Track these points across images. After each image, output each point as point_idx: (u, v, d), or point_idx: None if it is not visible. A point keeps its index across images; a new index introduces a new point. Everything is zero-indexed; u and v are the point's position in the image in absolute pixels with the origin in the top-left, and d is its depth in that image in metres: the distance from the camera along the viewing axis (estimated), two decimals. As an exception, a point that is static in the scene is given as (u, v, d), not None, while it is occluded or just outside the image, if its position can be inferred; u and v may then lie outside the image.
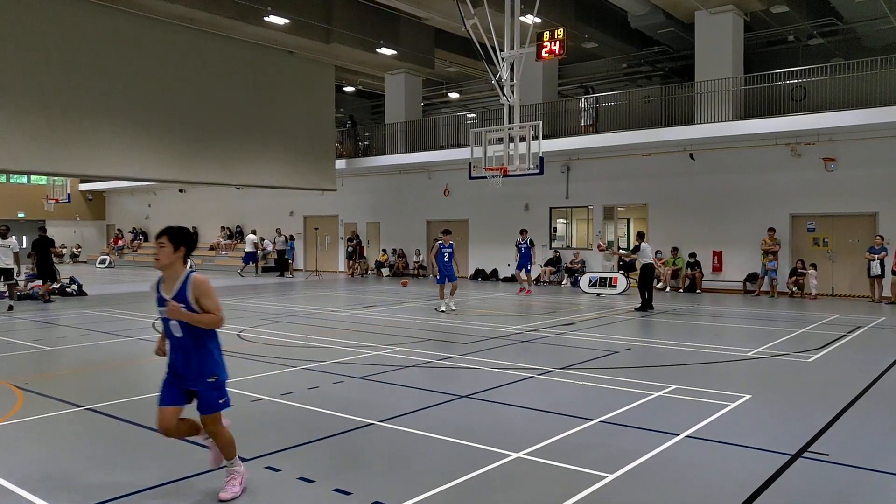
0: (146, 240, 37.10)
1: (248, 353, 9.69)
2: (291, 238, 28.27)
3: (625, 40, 23.40)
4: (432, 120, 26.91)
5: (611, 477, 4.78)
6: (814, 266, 17.92)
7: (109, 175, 23.05)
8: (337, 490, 4.58)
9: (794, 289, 18.14)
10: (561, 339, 10.85)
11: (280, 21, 19.89)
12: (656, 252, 20.53)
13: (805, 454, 5.30)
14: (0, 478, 4.79)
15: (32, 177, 35.07)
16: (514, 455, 5.24)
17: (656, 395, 7.18)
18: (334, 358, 9.29)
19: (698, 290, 19.53)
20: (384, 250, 27.32)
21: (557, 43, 17.33)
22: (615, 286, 19.12)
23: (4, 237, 15.25)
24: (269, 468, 5.01)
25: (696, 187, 20.14)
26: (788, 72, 18.43)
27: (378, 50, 22.93)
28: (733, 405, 6.73)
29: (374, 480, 4.82)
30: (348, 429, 5.98)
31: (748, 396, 7.06)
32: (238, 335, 11.35)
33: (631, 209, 23.91)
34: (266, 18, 19.61)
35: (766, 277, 18.55)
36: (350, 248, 27.85)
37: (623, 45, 23.70)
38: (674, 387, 7.49)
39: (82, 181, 37.38)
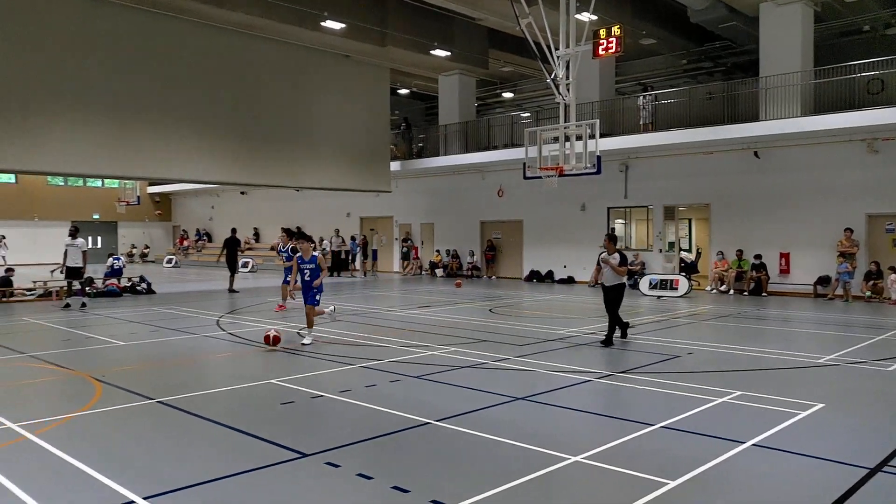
0: (210, 240, 38.25)
1: (308, 351, 9.88)
2: (353, 238, 28.64)
3: (684, 36, 22.85)
4: (486, 120, 26.87)
5: (673, 484, 4.67)
6: (893, 269, 17.04)
7: (176, 178, 23.92)
8: (395, 488, 4.62)
9: (870, 293, 17.33)
10: (620, 343, 10.67)
11: (336, 26, 20.22)
12: (719, 253, 19.98)
13: (885, 468, 5.04)
14: (81, 463, 5.03)
15: (106, 180, 36.59)
16: (573, 459, 5.18)
17: (720, 401, 6.98)
18: (391, 357, 9.38)
19: (764, 294, 18.89)
20: (438, 251, 27.43)
21: (614, 40, 17.02)
22: (676, 288, 18.69)
23: (74, 237, 15.95)
24: (329, 464, 5.10)
25: (761, 186, 19.50)
26: (863, 63, 17.64)
27: (432, 52, 23.05)
28: (804, 414, 6.47)
29: (431, 479, 4.84)
30: (406, 427, 6.03)
31: (821, 405, 6.78)
32: (298, 333, 11.57)
33: (692, 209, 23.32)
34: (323, 23, 19.95)
35: (839, 280, 17.74)
36: (404, 249, 28.10)
37: (683, 40, 23.14)
38: (738, 393, 7.27)
39: (150, 184, 38.81)
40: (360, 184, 23.82)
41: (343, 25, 20.27)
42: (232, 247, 19.84)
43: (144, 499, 4.42)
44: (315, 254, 10.61)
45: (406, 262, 28.11)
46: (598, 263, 11.10)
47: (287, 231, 15.20)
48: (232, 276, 19.81)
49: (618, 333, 10.72)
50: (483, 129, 26.14)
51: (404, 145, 27.31)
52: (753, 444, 5.52)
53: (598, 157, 15.21)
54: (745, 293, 19.19)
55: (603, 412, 6.61)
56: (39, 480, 4.76)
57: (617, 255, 10.53)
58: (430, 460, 5.28)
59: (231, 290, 19.45)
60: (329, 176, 22.64)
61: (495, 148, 24.85)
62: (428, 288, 21.62)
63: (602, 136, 16.49)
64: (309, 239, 10.86)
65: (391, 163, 25.33)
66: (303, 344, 10.31)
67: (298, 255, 10.71)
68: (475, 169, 25.72)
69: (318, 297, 10.51)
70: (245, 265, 33.10)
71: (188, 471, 5.00)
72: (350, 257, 27.84)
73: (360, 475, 4.87)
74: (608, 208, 22.86)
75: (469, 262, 26.19)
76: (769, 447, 5.48)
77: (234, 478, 4.86)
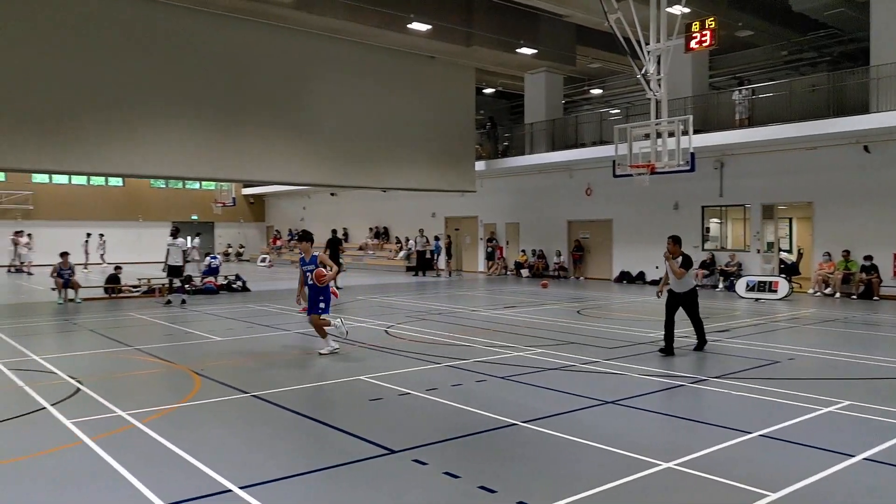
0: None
1: (395, 349, 10.03)
2: (437, 238, 28.89)
3: (785, 25, 21.68)
4: (573, 118, 26.44)
5: (774, 496, 4.43)
6: None
7: (269, 180, 24.91)
8: (482, 487, 4.61)
9: None
10: (715, 347, 10.25)
11: (422, 27, 20.43)
12: (825, 254, 18.86)
13: None
14: (183, 451, 5.29)
15: (203, 183, 38.54)
16: (664, 465, 5.01)
17: (825, 410, 6.57)
18: (476, 357, 9.37)
19: (875, 297, 17.65)
20: (523, 251, 27.23)
21: (708, 33, 16.40)
22: (776, 291, 17.76)
23: (175, 237, 16.84)
24: (416, 461, 5.14)
25: (872, 183, 18.22)
26: None
27: (518, 50, 22.91)
28: (919, 425, 6.01)
29: (519, 480, 4.79)
30: (492, 427, 6.00)
31: (938, 416, 6.27)
32: (385, 331, 11.77)
33: (793, 208, 22.10)
34: (409, 25, 20.21)
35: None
36: (489, 249, 28.07)
37: (783, 30, 21.96)
38: (847, 403, 6.82)
39: (245, 186, 40.53)
40: (445, 184, 23.99)
41: (429, 27, 20.46)
42: (334, 246, 20.65)
43: (240, 488, 4.60)
44: (316, 254, 9.71)
45: (491, 262, 28.07)
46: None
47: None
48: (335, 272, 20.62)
49: (687, 342, 10.04)
50: (570, 126, 25.74)
51: (489, 145, 27.28)
52: (865, 459, 5.15)
53: (692, 154, 14.68)
54: (854, 296, 18.00)
55: (696, 418, 6.35)
56: (146, 466, 5.03)
57: (681, 259, 9.76)
58: (516, 461, 5.23)
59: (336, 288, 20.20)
60: (414, 176, 22.92)
61: (583, 146, 24.42)
62: (513, 288, 21.50)
63: (695, 132, 15.87)
64: (310, 238, 9.81)
65: (476, 162, 25.36)
66: (320, 353, 9.46)
67: (301, 256, 9.89)
68: (562, 167, 25.38)
69: (322, 306, 9.53)
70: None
71: (280, 463, 5.16)
72: (434, 257, 28.08)
73: (447, 473, 4.88)
74: (702, 207, 22.02)
75: (556, 263, 25.85)
76: (884, 462, 5.10)
77: (325, 471, 4.98)
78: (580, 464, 5.16)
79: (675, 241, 9.99)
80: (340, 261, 21.28)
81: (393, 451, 5.35)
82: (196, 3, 17.55)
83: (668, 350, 9.57)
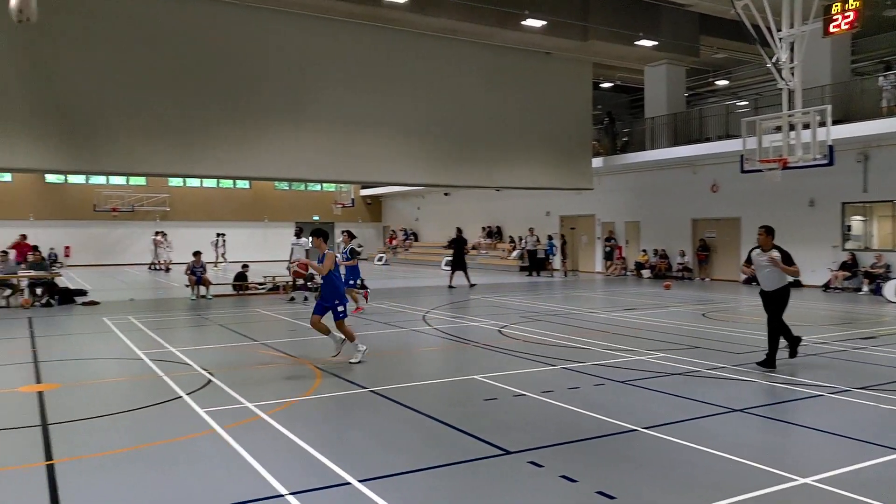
0: (416, 240, 40.32)
1: (509, 349, 9.94)
2: (549, 238, 28.51)
3: (943, 1, 19.61)
4: (697, 111, 25.20)
5: (935, 522, 3.96)
6: None
7: (386, 181, 25.53)
8: (600, 493, 4.44)
9: None
10: (859, 355, 9.40)
11: (537, 23, 20.19)
12: None
13: None
14: (305, 443, 5.48)
15: (323, 184, 40.17)
16: (801, 480, 4.62)
17: None
18: (594, 360, 9.11)
19: None
20: (644, 251, 26.29)
21: (851, 14, 15.13)
22: (928, 294, 16.08)
23: (298, 237, 17.59)
24: (531, 463, 5.04)
25: None
26: None
27: (637, 42, 22.14)
28: None
29: (639, 488, 4.58)
30: (611, 433, 5.79)
31: None
32: (499, 331, 11.71)
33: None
34: (523, 22, 20.04)
35: None
36: (607, 249, 27.33)
37: (939, 7, 19.88)
38: None
39: (363, 187, 41.86)
40: (561, 182, 23.59)
41: (544, 23, 20.20)
42: (459, 246, 21.08)
43: (359, 481, 4.69)
44: (327, 251, 8.90)
45: (609, 263, 27.32)
46: (748, 261, 8.92)
47: (348, 233, 15.42)
48: (462, 273, 20.90)
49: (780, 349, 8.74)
50: (694, 120, 24.55)
51: (607, 141, 26.55)
52: None
53: (830, 147, 13.57)
54: None
55: (837, 431, 5.82)
56: (271, 456, 5.25)
57: (776, 253, 8.49)
58: (637, 468, 5.00)
59: (471, 285, 20.59)
60: (529, 175, 22.70)
61: (708, 140, 23.21)
62: (633, 290, 20.81)
63: (835, 122, 14.68)
64: (324, 235, 9.08)
65: (593, 159, 24.77)
66: (350, 362, 8.80)
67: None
68: (685, 163, 24.26)
69: (340, 310, 8.87)
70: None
71: (397, 459, 5.22)
72: (547, 256, 27.69)
73: (564, 477, 4.74)
74: (843, 203, 20.33)
75: (679, 263, 24.76)
76: None
77: (441, 468, 4.99)
78: (705, 473, 4.86)
79: (768, 231, 8.67)
80: (464, 260, 21.40)
81: (508, 452, 5.28)
82: (319, 11, 18.27)
83: (769, 362, 8.44)
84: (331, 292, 8.92)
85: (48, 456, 5.31)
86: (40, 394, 7.33)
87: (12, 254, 19.06)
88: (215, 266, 30.52)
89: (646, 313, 14.40)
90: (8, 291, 16.34)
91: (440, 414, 6.40)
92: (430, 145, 20.56)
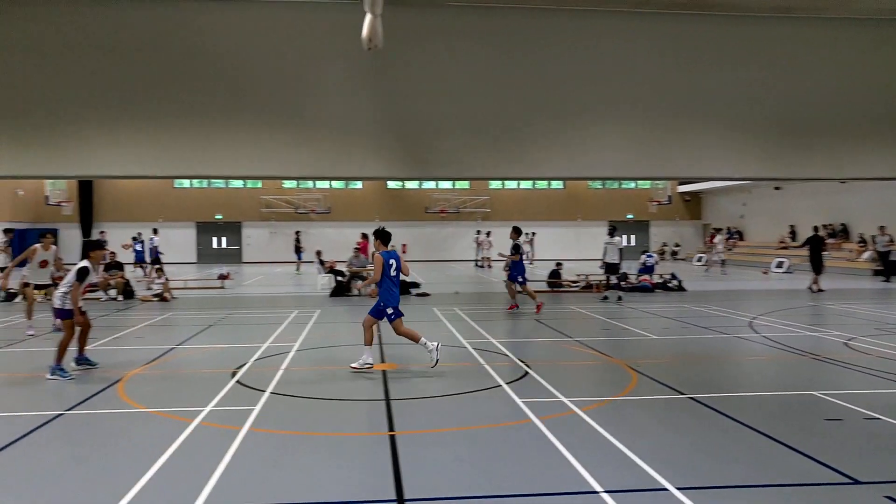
0: (741, 239, 37.21)
1: (857, 365, 8.56)
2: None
3: None
4: None
5: None
6: None
7: (705, 176, 23.85)
8: None
9: None
10: None
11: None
12: None
13: None
14: (619, 442, 5.40)
15: (638, 182, 39.23)
16: None
17: None
18: (979, 384, 7.35)
19: None
20: None
21: None
22: None
23: (612, 236, 17.37)
24: (889, 498, 4.25)
25: None
26: None
27: None
28: None
29: None
30: None
31: None
32: (845, 343, 10.18)
33: None
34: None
35: None
36: None
37: None
38: None
39: (681, 184, 39.91)
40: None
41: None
42: (816, 245, 20.02)
43: (678, 489, 4.45)
44: (372, 250, 8.11)
45: None
46: None
47: (515, 228, 15.08)
48: (816, 276, 19.57)
49: None
50: None
51: None
52: None
53: None
54: None
55: None
56: (585, 451, 5.26)
57: None
58: None
59: (818, 290, 19.01)
60: (884, 163, 19.23)
61: None
62: None
63: None
64: (384, 236, 8.63)
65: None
66: (352, 367, 8.31)
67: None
68: None
69: (389, 311, 8.45)
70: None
71: (721, 471, 4.85)
72: None
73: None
74: None
75: None
76: None
77: (771, 489, 4.51)
78: None
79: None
80: (822, 262, 19.85)
81: (857, 482, 4.54)
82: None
83: None
84: (380, 294, 8.54)
85: (390, 427, 6.06)
86: (384, 372, 8.42)
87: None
88: (531, 263, 31.89)
89: None
90: (370, 286, 19.09)
91: (770, 429, 5.76)
92: (758, 135, 18.32)
